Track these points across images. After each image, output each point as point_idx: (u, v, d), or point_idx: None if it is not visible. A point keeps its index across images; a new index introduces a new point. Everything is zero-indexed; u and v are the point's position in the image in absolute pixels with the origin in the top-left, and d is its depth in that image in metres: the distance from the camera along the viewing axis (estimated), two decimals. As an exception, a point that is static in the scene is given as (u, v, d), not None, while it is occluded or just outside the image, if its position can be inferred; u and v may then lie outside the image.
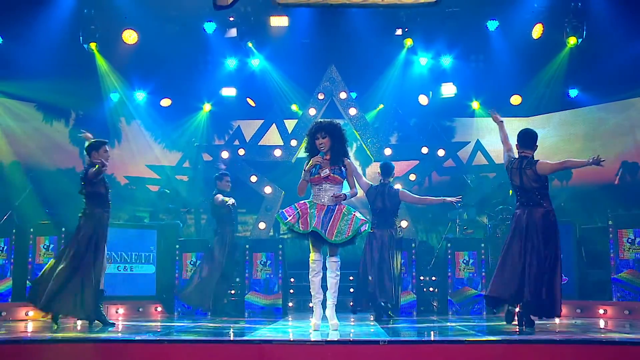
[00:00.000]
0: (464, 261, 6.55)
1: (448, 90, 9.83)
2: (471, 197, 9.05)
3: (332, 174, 3.98)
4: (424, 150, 9.09)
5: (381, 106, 9.94)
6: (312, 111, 9.20)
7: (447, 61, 9.47)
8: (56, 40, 8.51)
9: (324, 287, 4.07)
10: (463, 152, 9.54)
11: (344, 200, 4.02)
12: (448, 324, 5.16)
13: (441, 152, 9.04)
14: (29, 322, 5.63)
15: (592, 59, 8.71)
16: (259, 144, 9.65)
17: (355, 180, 4.48)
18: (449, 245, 6.82)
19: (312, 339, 3.19)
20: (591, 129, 9.12)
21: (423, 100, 9.91)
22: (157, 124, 10.46)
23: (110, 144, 6.20)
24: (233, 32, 8.47)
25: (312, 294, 4.08)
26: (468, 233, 8.01)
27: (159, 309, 6.97)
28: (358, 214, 4.06)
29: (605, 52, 8.32)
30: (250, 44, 9.05)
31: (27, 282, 6.36)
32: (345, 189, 4.10)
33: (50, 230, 6.74)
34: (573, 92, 9.58)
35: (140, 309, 6.79)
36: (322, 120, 4.32)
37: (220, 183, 6.64)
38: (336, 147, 4.03)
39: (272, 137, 9.84)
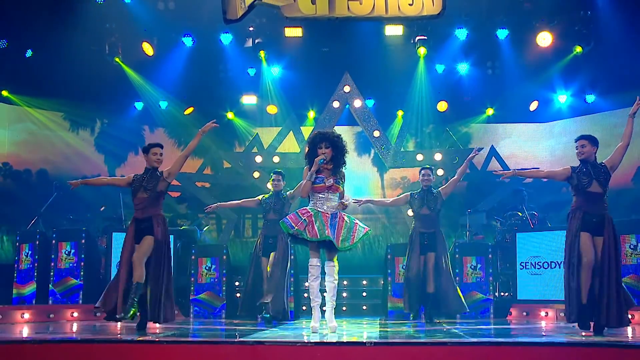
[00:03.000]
0: (472, 266, 6.60)
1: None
2: (486, 203, 9.08)
3: (335, 184, 4.15)
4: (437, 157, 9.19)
5: (401, 112, 10.06)
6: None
7: (463, 68, 9.59)
8: (81, 51, 8.90)
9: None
10: (478, 158, 9.58)
11: (345, 208, 4.18)
12: (446, 327, 5.18)
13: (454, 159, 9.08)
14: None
15: (605, 65, 8.74)
16: (276, 151, 9.83)
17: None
18: (457, 250, 6.87)
19: (304, 341, 3.32)
20: (607, 135, 9.07)
21: (441, 106, 10.00)
22: (179, 132, 10.80)
23: (134, 152, 6.51)
24: (249, 42, 8.69)
25: (311, 297, 4.23)
26: (478, 238, 8.03)
27: (175, 311, 7.13)
28: (359, 223, 4.24)
29: (618, 57, 8.34)
30: (262, 53, 9.23)
31: (50, 285, 6.68)
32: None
33: (72, 236, 6.97)
34: (590, 98, 9.58)
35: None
36: (323, 130, 4.50)
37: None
38: (338, 158, 4.19)
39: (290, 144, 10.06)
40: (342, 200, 4.14)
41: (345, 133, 10.42)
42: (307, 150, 4.32)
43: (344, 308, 5.99)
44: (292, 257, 6.10)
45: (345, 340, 3.58)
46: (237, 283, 7.35)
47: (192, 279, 7.02)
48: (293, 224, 4.07)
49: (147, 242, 4.26)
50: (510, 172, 5.15)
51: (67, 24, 8.38)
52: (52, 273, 6.72)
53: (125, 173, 8.04)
